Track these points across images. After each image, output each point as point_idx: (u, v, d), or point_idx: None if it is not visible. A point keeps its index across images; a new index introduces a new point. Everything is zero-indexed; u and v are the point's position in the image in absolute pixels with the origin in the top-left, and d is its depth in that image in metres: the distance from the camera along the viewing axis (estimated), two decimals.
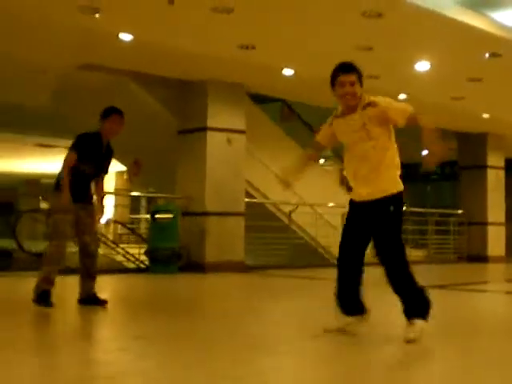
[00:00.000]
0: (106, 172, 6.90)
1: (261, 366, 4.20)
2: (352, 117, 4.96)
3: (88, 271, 6.59)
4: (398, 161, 4.98)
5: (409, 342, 4.75)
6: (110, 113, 6.70)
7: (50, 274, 6.34)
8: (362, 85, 4.96)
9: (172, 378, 3.74)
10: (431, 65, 11.28)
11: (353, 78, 4.91)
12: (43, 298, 6.30)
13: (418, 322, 4.82)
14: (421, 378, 4.07)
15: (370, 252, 5.25)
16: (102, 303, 6.58)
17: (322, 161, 22.86)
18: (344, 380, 3.90)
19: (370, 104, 4.90)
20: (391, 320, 5.48)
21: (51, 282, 6.35)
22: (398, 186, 4.94)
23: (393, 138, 5.00)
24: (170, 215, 12.07)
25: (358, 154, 4.96)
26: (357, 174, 5.01)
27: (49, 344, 4.81)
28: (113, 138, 6.80)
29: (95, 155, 6.63)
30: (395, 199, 4.92)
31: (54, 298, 6.34)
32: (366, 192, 4.95)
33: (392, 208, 4.88)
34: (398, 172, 4.98)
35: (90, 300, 6.57)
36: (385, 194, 4.89)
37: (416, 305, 4.87)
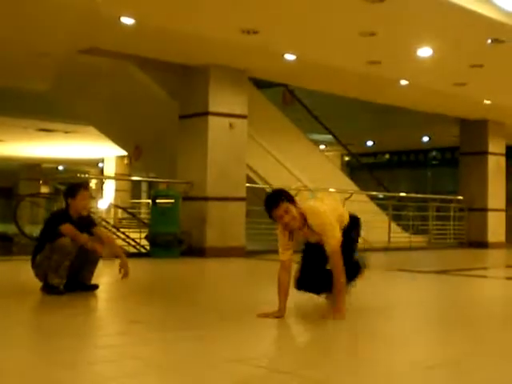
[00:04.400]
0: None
1: (254, 349, 4.25)
2: (303, 230, 5.19)
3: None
4: None
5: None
6: (78, 190, 6.51)
7: (61, 266, 6.24)
8: (294, 202, 5.14)
9: (170, 362, 3.76)
10: (433, 51, 11.25)
11: (284, 206, 5.06)
12: (53, 288, 6.28)
13: None
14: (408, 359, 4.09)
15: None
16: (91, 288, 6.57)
17: (322, 147, 22.90)
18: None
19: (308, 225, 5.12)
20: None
21: (62, 276, 6.28)
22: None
23: None
24: (171, 200, 12.08)
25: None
26: None
27: (46, 328, 4.82)
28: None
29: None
30: None
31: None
32: None
33: None
34: None
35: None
36: None
37: None
